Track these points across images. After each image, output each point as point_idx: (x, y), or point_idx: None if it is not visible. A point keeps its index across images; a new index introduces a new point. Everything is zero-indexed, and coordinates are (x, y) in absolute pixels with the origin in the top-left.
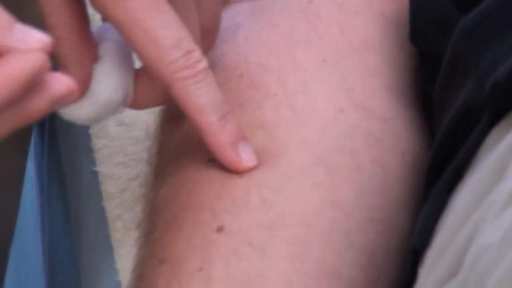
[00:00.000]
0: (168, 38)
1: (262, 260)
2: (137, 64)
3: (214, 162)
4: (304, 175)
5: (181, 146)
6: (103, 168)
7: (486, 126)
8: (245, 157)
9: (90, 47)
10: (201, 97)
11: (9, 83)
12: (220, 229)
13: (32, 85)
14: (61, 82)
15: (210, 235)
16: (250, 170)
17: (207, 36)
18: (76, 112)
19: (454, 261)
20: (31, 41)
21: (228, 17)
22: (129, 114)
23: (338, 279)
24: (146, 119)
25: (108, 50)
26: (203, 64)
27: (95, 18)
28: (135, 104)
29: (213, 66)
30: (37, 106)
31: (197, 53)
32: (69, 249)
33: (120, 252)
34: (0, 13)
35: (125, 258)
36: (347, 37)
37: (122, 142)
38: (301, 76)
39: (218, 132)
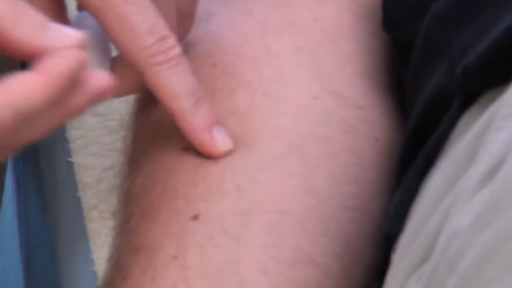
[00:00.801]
0: (142, 23)
1: (237, 247)
2: (114, 53)
3: (189, 149)
4: (279, 163)
5: (155, 135)
6: (78, 158)
7: (457, 111)
8: (220, 140)
9: None
10: (174, 83)
11: (54, 82)
12: (195, 217)
13: (73, 83)
14: (98, 78)
15: (185, 223)
16: (226, 154)
17: (184, 21)
18: None
19: (426, 247)
20: (66, 38)
21: (201, 5)
22: (104, 103)
23: (313, 266)
24: (120, 108)
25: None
26: (177, 50)
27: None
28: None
29: (186, 54)
30: (78, 103)
31: (171, 40)
32: (46, 239)
33: (96, 242)
34: (33, 13)
35: (101, 248)
36: (321, 24)
37: (97, 133)
38: (276, 64)
39: (192, 117)
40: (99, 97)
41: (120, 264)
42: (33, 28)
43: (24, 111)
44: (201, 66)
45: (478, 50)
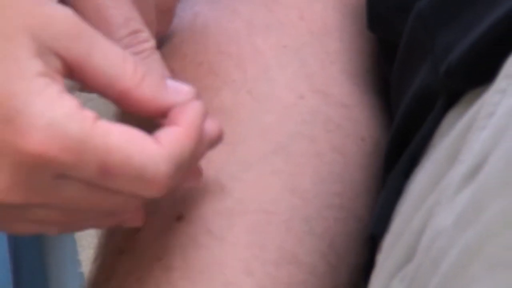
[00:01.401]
0: (117, 16)
1: (221, 248)
2: None
3: None
4: (264, 162)
5: None
6: None
7: (441, 110)
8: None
9: None
10: None
11: (195, 133)
12: (179, 218)
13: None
14: (213, 127)
15: (169, 224)
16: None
17: (163, 17)
18: None
19: (409, 247)
20: (183, 92)
21: (187, 5)
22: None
23: (298, 266)
24: (109, 111)
25: None
26: (149, 44)
27: None
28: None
29: (171, 54)
30: (202, 151)
31: (144, 34)
32: (34, 241)
33: (83, 243)
34: (153, 72)
35: (87, 250)
36: (307, 23)
37: None
38: (261, 63)
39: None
40: (214, 144)
41: (105, 265)
42: (156, 86)
43: (181, 163)
44: (187, 66)
45: (461, 49)
